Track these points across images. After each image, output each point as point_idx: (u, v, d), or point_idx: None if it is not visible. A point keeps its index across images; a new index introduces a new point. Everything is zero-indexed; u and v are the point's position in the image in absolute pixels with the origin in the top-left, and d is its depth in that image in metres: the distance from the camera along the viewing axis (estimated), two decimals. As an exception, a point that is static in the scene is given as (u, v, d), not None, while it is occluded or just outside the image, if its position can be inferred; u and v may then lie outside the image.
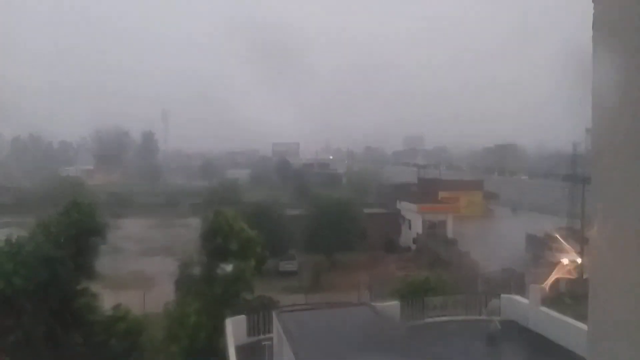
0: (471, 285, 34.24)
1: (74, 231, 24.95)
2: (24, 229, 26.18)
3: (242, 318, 22.41)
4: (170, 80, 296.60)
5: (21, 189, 76.61)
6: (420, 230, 58.72)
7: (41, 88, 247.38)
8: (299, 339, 15.85)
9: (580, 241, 44.23)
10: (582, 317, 18.50)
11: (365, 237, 50.23)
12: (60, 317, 23.40)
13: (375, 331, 17.16)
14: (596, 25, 2.33)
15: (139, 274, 44.14)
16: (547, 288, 33.34)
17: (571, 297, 34.71)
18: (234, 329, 21.40)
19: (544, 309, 22.31)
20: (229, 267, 25.00)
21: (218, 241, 25.44)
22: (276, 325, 18.30)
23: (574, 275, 40.35)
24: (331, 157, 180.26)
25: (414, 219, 60.00)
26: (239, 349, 20.19)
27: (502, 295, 24.80)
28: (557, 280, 40.38)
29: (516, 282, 34.64)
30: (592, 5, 2.38)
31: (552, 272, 42.96)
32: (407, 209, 62.13)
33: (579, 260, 41.71)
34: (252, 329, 22.35)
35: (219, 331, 22.21)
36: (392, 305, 23.21)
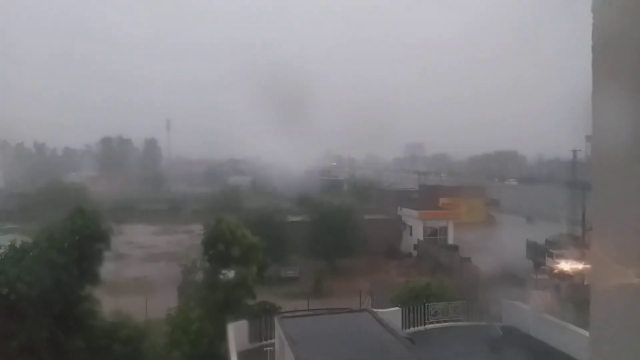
0: (472, 291, 34.15)
1: (77, 237, 24.99)
2: (28, 235, 26.24)
3: (244, 324, 22.46)
4: (174, 89, 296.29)
5: (25, 195, 76.50)
6: (421, 237, 58.68)
7: (46, 96, 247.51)
8: (301, 344, 15.88)
9: (581, 247, 44.20)
10: (583, 324, 18.54)
11: (367, 243, 50.12)
12: (63, 322, 23.45)
13: (377, 337, 17.18)
14: (595, 35, 2.40)
15: (142, 280, 44.15)
16: (548, 294, 33.26)
17: (572, 303, 34.66)
18: (236, 334, 21.44)
19: (545, 315, 22.33)
20: (231, 273, 25.03)
21: (220, 247, 25.47)
22: (278, 330, 18.33)
23: (574, 282, 40.26)
24: (334, 164, 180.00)
25: (415, 225, 59.97)
26: (241, 355, 20.24)
27: (503, 302, 24.81)
28: (558, 287, 40.31)
29: (517, 289, 34.57)
30: (591, 15, 2.47)
31: (553, 278, 42.93)
32: (408, 215, 62.12)
33: (580, 267, 41.63)
34: (254, 335, 22.41)
35: (221, 337, 22.25)
36: (393, 311, 23.25)
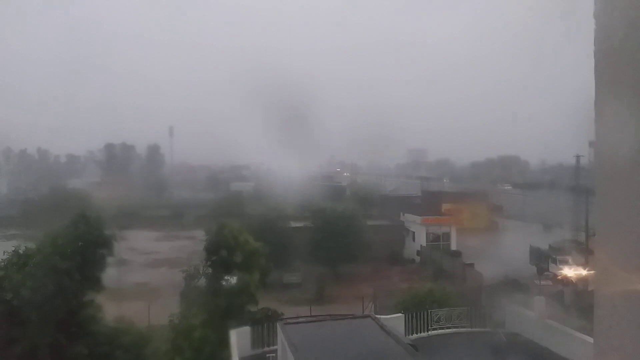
0: (475, 297, 34.08)
1: (80, 243, 25.01)
2: (32, 241, 26.28)
3: (246, 330, 22.43)
4: (176, 95, 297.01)
5: (29, 201, 76.82)
6: (424, 243, 58.56)
7: (49, 102, 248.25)
8: (303, 350, 15.85)
9: (585, 253, 44.10)
10: (587, 330, 18.46)
11: (369, 249, 50.08)
12: (65, 328, 23.44)
13: (379, 344, 17.13)
14: (598, 40, 2.40)
15: (144, 286, 44.19)
16: (551, 300, 33.17)
17: (576, 309, 34.56)
18: (238, 340, 21.41)
19: (548, 321, 22.24)
20: (233, 279, 25.04)
21: (223, 253, 25.46)
22: (280, 337, 18.32)
23: (578, 288, 40.14)
24: (337, 170, 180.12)
25: (418, 231, 59.87)
26: (244, 361, 20.20)
27: (507, 308, 24.72)
28: (561, 293, 40.22)
29: (521, 294, 34.49)
30: (594, 21, 2.46)
31: (556, 284, 42.82)
32: (411, 221, 62.07)
33: (584, 273, 41.51)
34: (257, 341, 22.37)
35: (224, 343, 22.21)
36: (396, 318, 23.16)
